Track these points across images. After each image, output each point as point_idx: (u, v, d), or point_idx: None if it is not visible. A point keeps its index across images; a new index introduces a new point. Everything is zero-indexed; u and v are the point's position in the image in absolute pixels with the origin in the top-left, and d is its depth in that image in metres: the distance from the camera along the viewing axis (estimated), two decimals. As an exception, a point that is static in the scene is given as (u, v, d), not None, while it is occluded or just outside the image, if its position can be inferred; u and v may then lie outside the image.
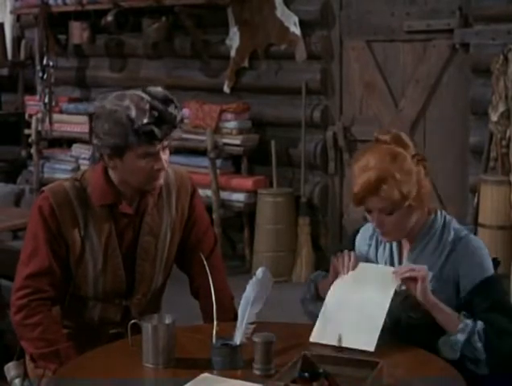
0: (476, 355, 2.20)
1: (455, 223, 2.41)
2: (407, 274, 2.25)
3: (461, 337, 2.19)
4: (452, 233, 2.37)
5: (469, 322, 2.21)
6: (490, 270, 2.34)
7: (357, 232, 2.58)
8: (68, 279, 2.47)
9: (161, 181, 2.44)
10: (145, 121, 2.29)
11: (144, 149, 2.33)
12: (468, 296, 2.30)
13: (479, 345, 2.19)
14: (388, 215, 2.31)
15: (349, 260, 2.37)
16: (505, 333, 2.22)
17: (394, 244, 2.44)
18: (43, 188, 2.49)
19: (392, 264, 2.43)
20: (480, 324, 2.22)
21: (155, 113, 2.30)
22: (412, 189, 2.30)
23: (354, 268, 2.36)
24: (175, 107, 2.36)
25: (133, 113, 2.29)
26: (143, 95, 2.33)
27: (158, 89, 2.39)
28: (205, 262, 2.38)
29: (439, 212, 2.41)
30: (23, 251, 2.47)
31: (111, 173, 2.44)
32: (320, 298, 2.46)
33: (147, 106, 2.30)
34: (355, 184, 2.32)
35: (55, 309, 2.49)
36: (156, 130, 2.30)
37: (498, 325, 2.23)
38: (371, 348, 2.18)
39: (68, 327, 2.49)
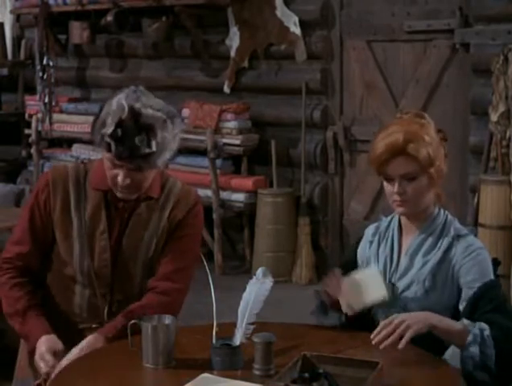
0: (488, 363, 2.15)
1: (456, 223, 2.42)
2: (389, 341, 2.12)
3: (475, 349, 2.14)
4: (453, 231, 2.37)
5: (477, 331, 2.16)
6: (491, 274, 2.33)
7: (360, 239, 2.58)
8: (45, 255, 2.51)
9: (126, 196, 2.42)
10: (108, 131, 2.28)
11: (106, 155, 2.36)
12: (470, 299, 2.29)
13: (492, 351, 2.15)
14: (410, 181, 2.31)
15: (336, 280, 2.37)
16: (509, 332, 2.20)
17: (396, 241, 2.44)
18: None
19: (391, 260, 2.43)
20: (485, 328, 2.18)
21: (119, 132, 2.27)
22: (437, 156, 2.32)
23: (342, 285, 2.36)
24: (148, 141, 2.27)
25: (109, 119, 2.30)
26: (126, 108, 2.28)
27: (151, 111, 2.29)
28: (205, 262, 2.39)
29: (442, 210, 2.43)
30: None
31: None
32: (325, 308, 2.47)
33: (117, 119, 2.27)
34: (378, 148, 2.32)
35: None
36: (113, 147, 2.29)
37: (502, 324, 2.20)
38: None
39: (56, 316, 2.51)
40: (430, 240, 2.38)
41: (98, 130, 2.32)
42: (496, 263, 2.46)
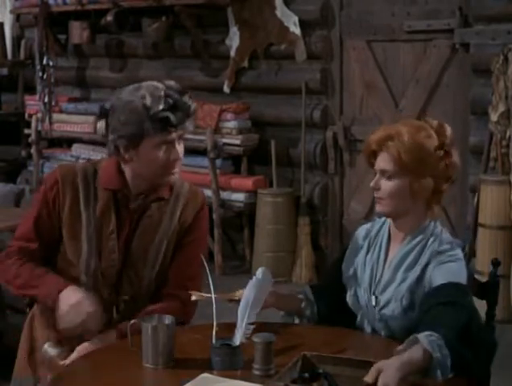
0: (445, 378, 1.98)
1: (444, 234, 2.35)
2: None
3: (438, 374, 1.94)
4: (436, 245, 2.31)
5: (438, 354, 1.94)
6: (460, 279, 2.21)
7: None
8: (49, 255, 2.50)
9: (176, 174, 2.47)
10: (160, 107, 2.34)
11: (160, 138, 2.37)
12: (429, 291, 2.21)
13: (449, 369, 1.96)
14: (387, 179, 2.30)
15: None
16: (459, 334, 2.02)
17: (383, 250, 2.41)
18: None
19: (376, 270, 2.40)
20: (442, 345, 1.95)
21: (170, 101, 2.36)
22: (416, 165, 2.26)
23: None
24: (190, 97, 2.44)
25: (148, 101, 2.34)
26: (158, 84, 2.40)
27: (172, 82, 2.46)
28: (205, 263, 2.39)
29: (432, 222, 2.37)
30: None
31: (125, 167, 2.48)
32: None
33: (162, 93, 2.36)
34: (369, 137, 2.35)
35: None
36: (172, 117, 2.36)
37: (452, 325, 2.02)
38: None
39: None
40: (413, 254, 2.32)
41: (144, 117, 2.34)
42: (496, 263, 2.45)
